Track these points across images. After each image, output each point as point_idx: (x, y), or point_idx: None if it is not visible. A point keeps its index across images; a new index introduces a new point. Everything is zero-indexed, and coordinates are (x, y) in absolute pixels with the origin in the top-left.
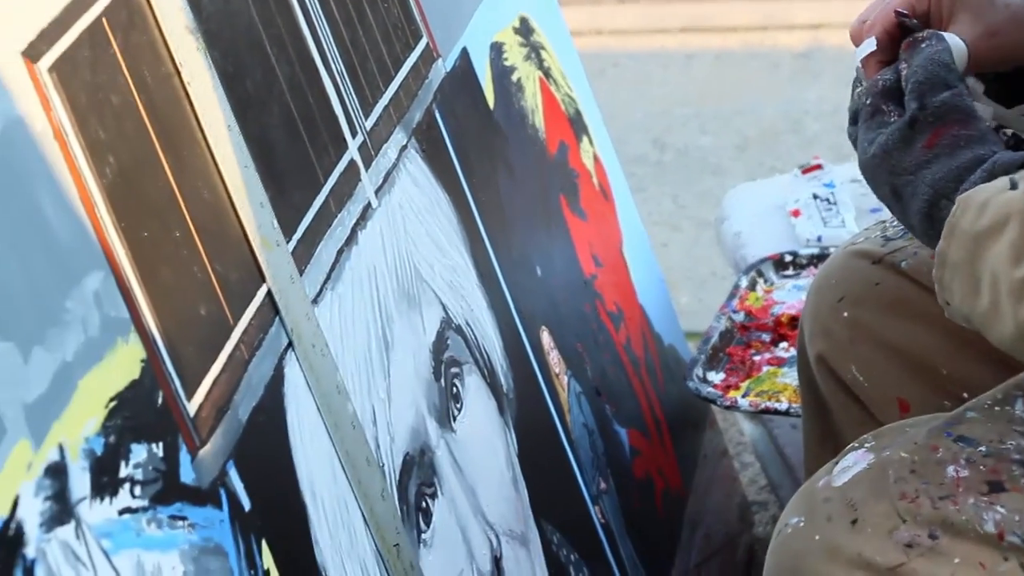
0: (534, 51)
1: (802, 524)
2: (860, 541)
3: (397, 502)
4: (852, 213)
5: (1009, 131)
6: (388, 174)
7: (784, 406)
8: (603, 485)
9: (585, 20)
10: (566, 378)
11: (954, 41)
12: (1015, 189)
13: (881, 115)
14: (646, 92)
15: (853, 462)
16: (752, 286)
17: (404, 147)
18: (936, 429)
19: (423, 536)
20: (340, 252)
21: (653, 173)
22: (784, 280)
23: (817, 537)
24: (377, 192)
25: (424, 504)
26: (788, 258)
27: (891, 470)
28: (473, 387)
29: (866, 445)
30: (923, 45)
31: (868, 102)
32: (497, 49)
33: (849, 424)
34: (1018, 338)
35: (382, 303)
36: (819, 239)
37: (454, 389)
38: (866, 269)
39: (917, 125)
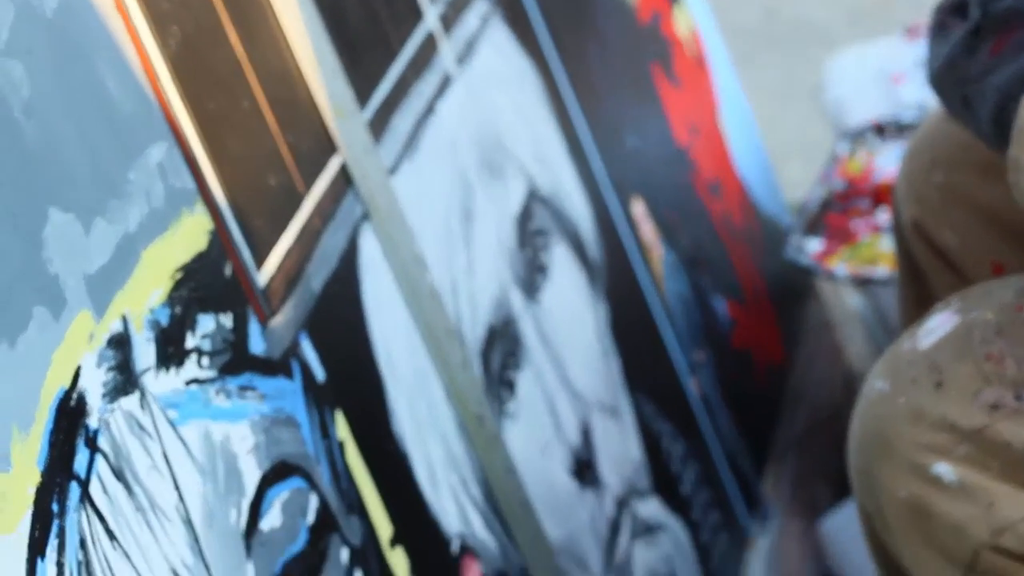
0: None
1: (887, 388)
2: (945, 403)
3: (480, 373)
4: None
5: None
6: (469, 43)
7: (882, 273)
8: (700, 356)
9: None
10: (661, 248)
11: None
12: None
13: (946, 29)
14: None
15: (938, 324)
16: (853, 153)
17: (487, 15)
18: None
19: (507, 407)
20: (418, 122)
21: (764, 43)
22: (886, 145)
23: (902, 400)
24: (458, 62)
25: (508, 375)
26: (889, 124)
27: (976, 331)
28: (560, 258)
29: (952, 306)
30: None
31: (935, 18)
32: None
33: (944, 289)
34: None
35: (463, 174)
36: (921, 105)
37: (540, 260)
38: (958, 132)
39: (981, 32)
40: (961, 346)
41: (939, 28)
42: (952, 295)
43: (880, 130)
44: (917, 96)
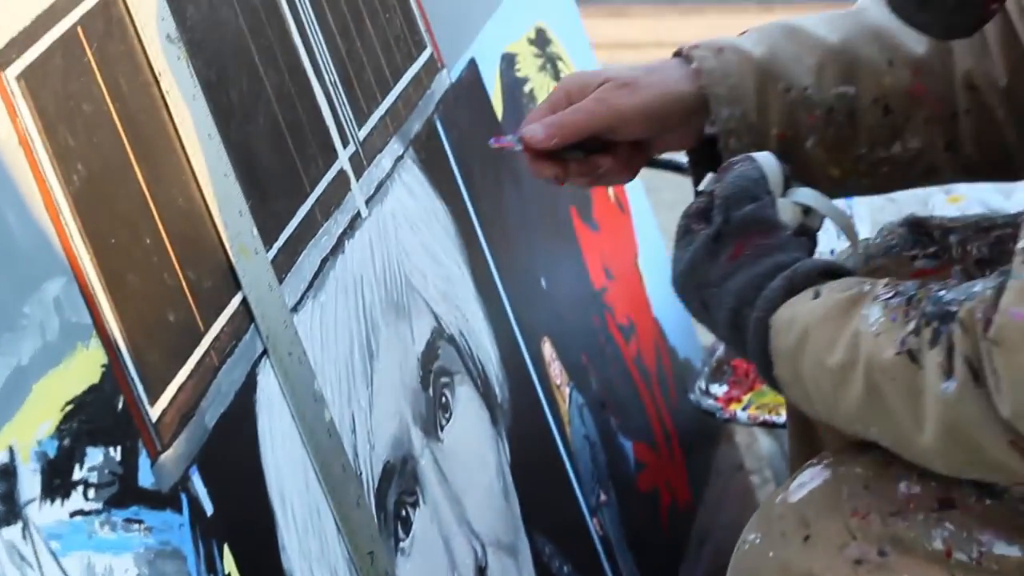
0: (550, 62)
1: (758, 540)
2: (811, 558)
3: (374, 510)
4: (868, 226)
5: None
6: (381, 184)
7: (783, 419)
8: (603, 497)
9: (648, 32)
10: (568, 389)
11: (766, 159)
12: (817, 298)
13: (691, 234)
14: None
15: (810, 478)
16: None
17: (400, 157)
18: None
19: (401, 544)
20: (324, 261)
21: (676, 183)
22: None
23: (771, 554)
24: (368, 201)
25: (404, 512)
26: None
27: (845, 486)
28: (464, 397)
29: (824, 461)
30: (736, 166)
31: (681, 223)
32: (509, 60)
33: (831, 440)
34: (859, 417)
35: (368, 312)
36: (832, 252)
37: (443, 399)
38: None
39: (722, 238)
40: (830, 501)
41: (684, 233)
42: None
43: None
44: (828, 246)
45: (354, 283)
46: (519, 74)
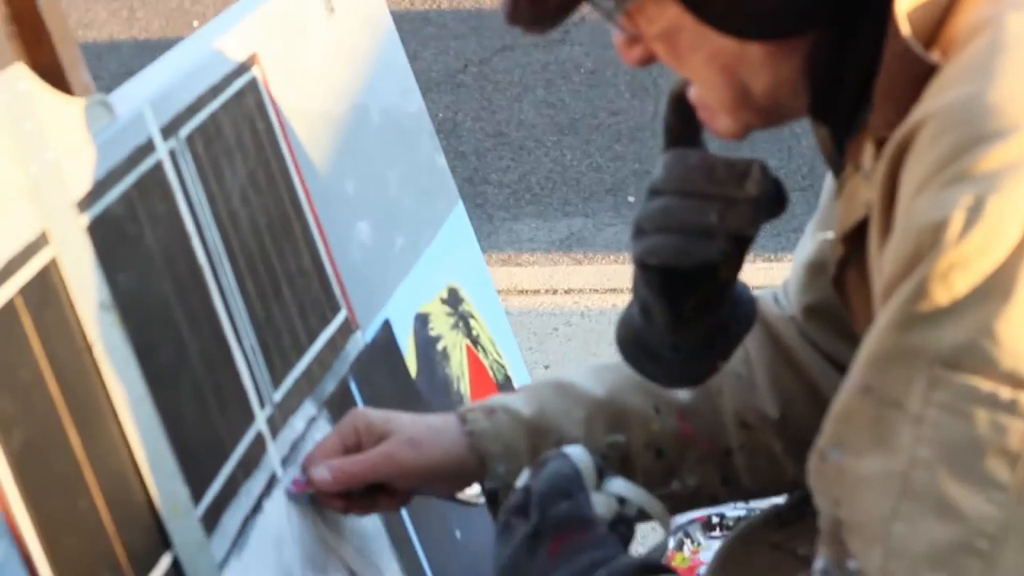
0: (462, 320)
1: None
2: None
3: None
4: None
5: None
6: (295, 445)
7: None
8: None
9: (542, 279)
10: None
11: (578, 454)
12: None
13: (511, 529)
14: (597, 350)
15: None
16: (679, 547)
17: (314, 418)
18: None
19: None
20: (246, 520)
21: None
22: (711, 541)
23: None
24: (283, 462)
25: None
26: (716, 519)
27: None
28: None
29: None
30: (550, 462)
31: (501, 519)
32: (422, 320)
33: None
34: None
35: (287, 571)
36: (747, 501)
37: None
38: (765, 554)
39: (540, 536)
40: None
41: (504, 528)
42: None
43: (706, 525)
44: None
45: (274, 542)
46: (432, 333)
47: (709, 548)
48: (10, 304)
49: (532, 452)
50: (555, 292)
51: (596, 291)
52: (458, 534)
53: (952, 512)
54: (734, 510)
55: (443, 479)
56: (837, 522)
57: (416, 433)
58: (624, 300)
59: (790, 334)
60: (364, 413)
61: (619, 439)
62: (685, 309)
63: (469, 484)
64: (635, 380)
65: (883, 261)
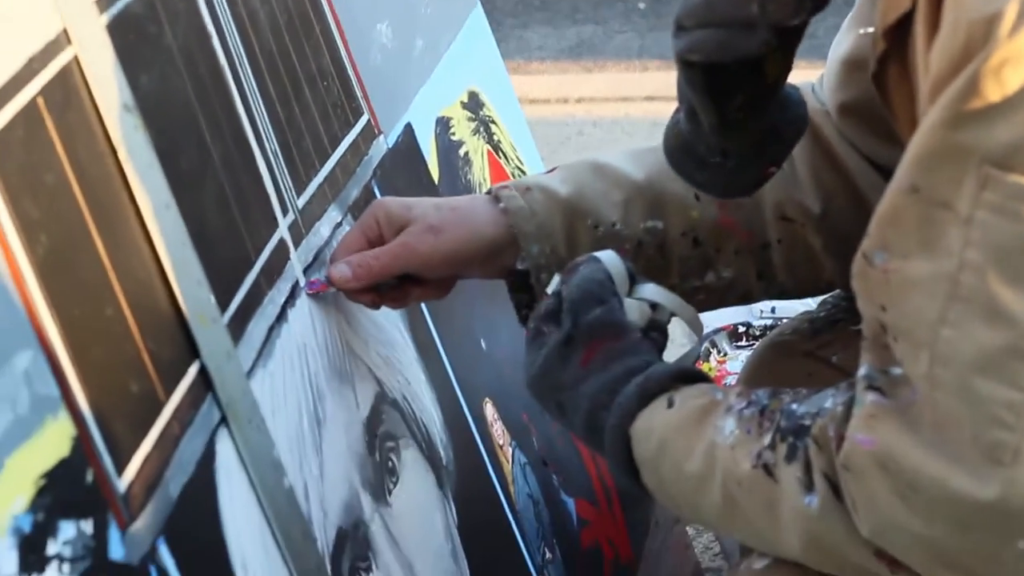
0: (483, 125)
1: None
2: None
3: None
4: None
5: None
6: (319, 252)
7: None
8: (548, 555)
9: (552, 88)
10: (510, 449)
11: (610, 259)
12: (672, 407)
13: (542, 336)
14: None
15: None
16: (706, 356)
17: (339, 224)
18: None
19: None
20: (271, 329)
21: None
22: (738, 351)
23: None
24: (306, 270)
25: None
26: (742, 328)
27: None
28: (410, 461)
29: None
30: (581, 267)
31: (531, 325)
32: (444, 124)
33: None
34: (721, 524)
35: (313, 380)
36: (773, 310)
37: (389, 463)
38: (798, 362)
39: (572, 343)
40: (797, 567)
41: (535, 335)
42: None
43: (732, 335)
44: (768, 301)
45: (298, 351)
46: (454, 137)
47: (736, 358)
48: (32, 105)
49: (567, 234)
50: (566, 101)
51: (608, 100)
52: (483, 343)
53: (1002, 316)
54: (760, 319)
55: (472, 262)
56: (882, 327)
57: (438, 219)
58: (635, 109)
59: (829, 129)
60: (384, 203)
61: (657, 225)
62: (732, 109)
63: (502, 265)
64: None
65: (930, 58)
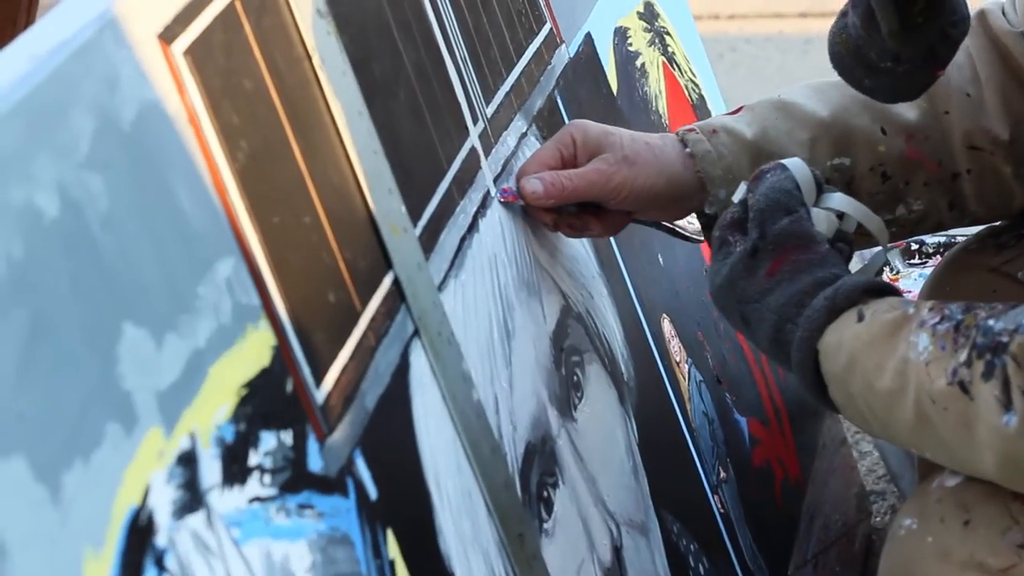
0: (658, 36)
1: (915, 526)
2: (972, 542)
3: (520, 491)
4: None
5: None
6: (507, 162)
7: None
8: (723, 474)
9: (703, 5)
10: (687, 366)
11: (797, 167)
12: (862, 321)
13: (727, 246)
14: (764, 77)
15: None
16: (879, 274)
17: (524, 134)
18: None
19: (545, 526)
20: (463, 240)
21: None
22: (911, 269)
23: (930, 539)
24: (495, 179)
25: (546, 493)
26: (915, 246)
27: None
28: (594, 376)
29: None
30: (767, 175)
31: (716, 235)
32: (621, 34)
33: None
34: (912, 441)
35: (503, 291)
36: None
37: (575, 378)
38: (983, 278)
39: (759, 254)
40: (989, 485)
41: (720, 245)
42: None
43: (905, 252)
44: None
45: (489, 262)
46: (631, 48)
47: (909, 276)
48: (230, 8)
49: None
50: (717, 17)
51: (761, 16)
52: (661, 259)
53: None
54: (934, 237)
55: (659, 202)
56: None
57: (634, 151)
58: (789, 26)
59: (1021, 51)
60: (583, 124)
61: (844, 161)
62: (914, 13)
63: (687, 209)
64: (860, 100)
65: None
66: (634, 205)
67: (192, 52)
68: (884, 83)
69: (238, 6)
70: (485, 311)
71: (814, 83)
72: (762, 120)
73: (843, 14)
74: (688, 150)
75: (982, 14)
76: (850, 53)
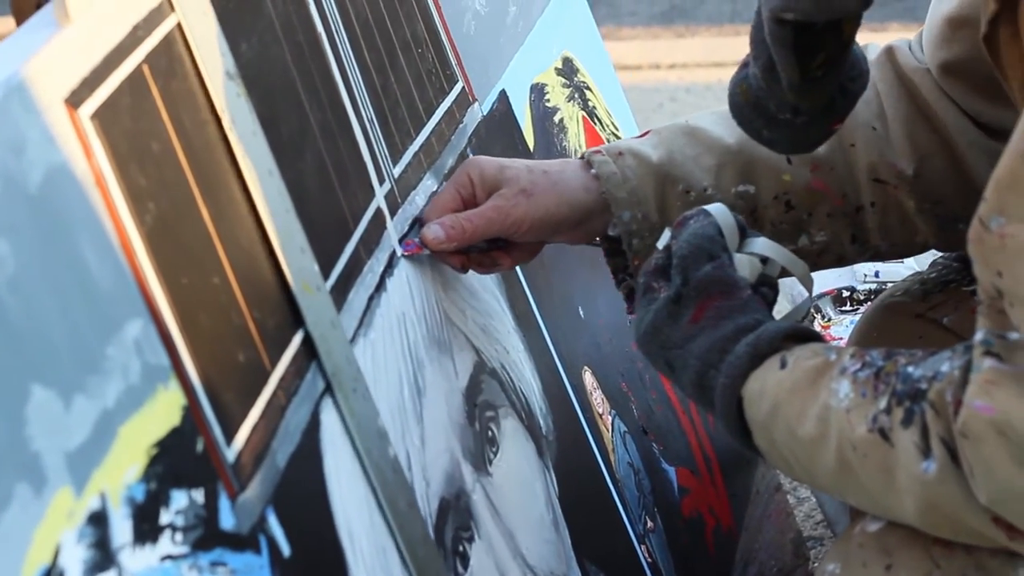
0: (578, 91)
1: (838, 571)
2: None
3: (436, 546)
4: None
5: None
6: (415, 221)
7: None
8: (650, 524)
9: (644, 54)
10: (610, 418)
11: (721, 213)
12: (784, 368)
13: (652, 292)
14: None
15: None
16: (810, 322)
17: (434, 193)
18: None
19: None
20: (371, 299)
21: None
22: (842, 316)
23: None
24: (402, 240)
25: (461, 548)
26: (846, 293)
27: None
28: (510, 430)
29: None
30: (691, 221)
31: (641, 281)
32: (539, 90)
33: None
34: (835, 488)
35: (412, 349)
36: (876, 274)
37: (489, 433)
38: (910, 323)
39: (682, 300)
40: (911, 529)
41: (644, 291)
42: None
43: (836, 299)
44: (872, 266)
45: (397, 321)
46: (549, 104)
47: (840, 323)
48: (138, 72)
49: (659, 199)
50: (658, 67)
51: (700, 65)
52: (582, 312)
53: None
54: (864, 284)
55: (563, 228)
56: (998, 292)
57: (531, 182)
58: (728, 74)
59: (927, 87)
60: (479, 162)
61: (749, 189)
62: (814, 67)
63: (593, 232)
64: None
65: None
66: (538, 235)
67: (99, 116)
68: (783, 134)
69: (146, 70)
70: (395, 369)
71: (722, 110)
72: (669, 144)
73: (744, 65)
74: (594, 171)
75: (890, 50)
76: (750, 104)
